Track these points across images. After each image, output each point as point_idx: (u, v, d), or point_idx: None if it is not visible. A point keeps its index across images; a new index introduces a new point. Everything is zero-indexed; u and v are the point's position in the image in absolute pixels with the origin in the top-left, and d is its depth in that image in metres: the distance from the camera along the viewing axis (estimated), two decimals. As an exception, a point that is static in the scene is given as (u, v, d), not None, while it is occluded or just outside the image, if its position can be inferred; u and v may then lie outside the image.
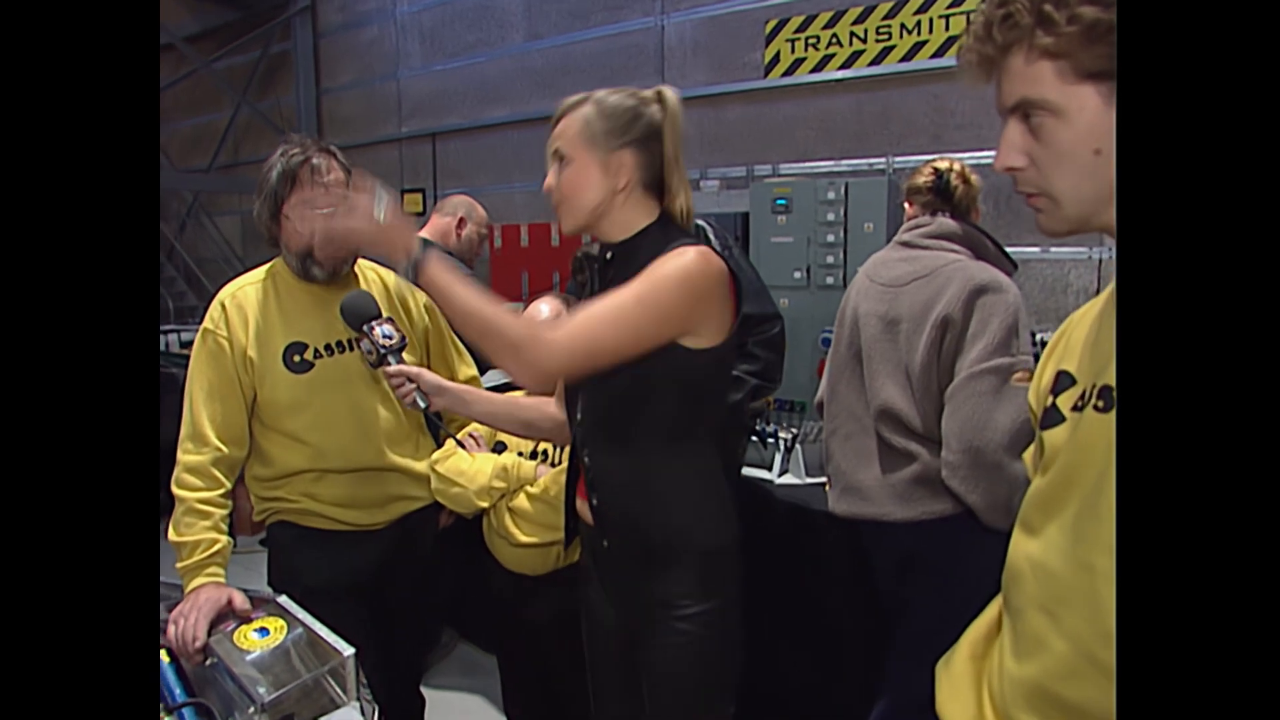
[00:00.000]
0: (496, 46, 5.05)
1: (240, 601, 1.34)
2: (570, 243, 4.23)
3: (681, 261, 1.10)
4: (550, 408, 1.40)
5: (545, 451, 1.73)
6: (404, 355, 1.51)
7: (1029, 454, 0.87)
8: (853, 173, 3.67)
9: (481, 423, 1.50)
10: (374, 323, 1.50)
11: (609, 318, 1.08)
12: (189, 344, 1.54)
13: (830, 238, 2.77)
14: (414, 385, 1.44)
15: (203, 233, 7.35)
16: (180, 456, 1.48)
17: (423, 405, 1.45)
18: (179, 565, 1.40)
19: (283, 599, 1.34)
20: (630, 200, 1.18)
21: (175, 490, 1.46)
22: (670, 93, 1.19)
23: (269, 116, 6.29)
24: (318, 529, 1.59)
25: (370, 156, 5.65)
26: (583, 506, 1.29)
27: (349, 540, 1.61)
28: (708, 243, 1.17)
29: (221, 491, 1.48)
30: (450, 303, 1.09)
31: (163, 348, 4.34)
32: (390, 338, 1.50)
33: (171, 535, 1.42)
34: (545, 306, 1.77)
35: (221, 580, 1.39)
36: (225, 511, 1.48)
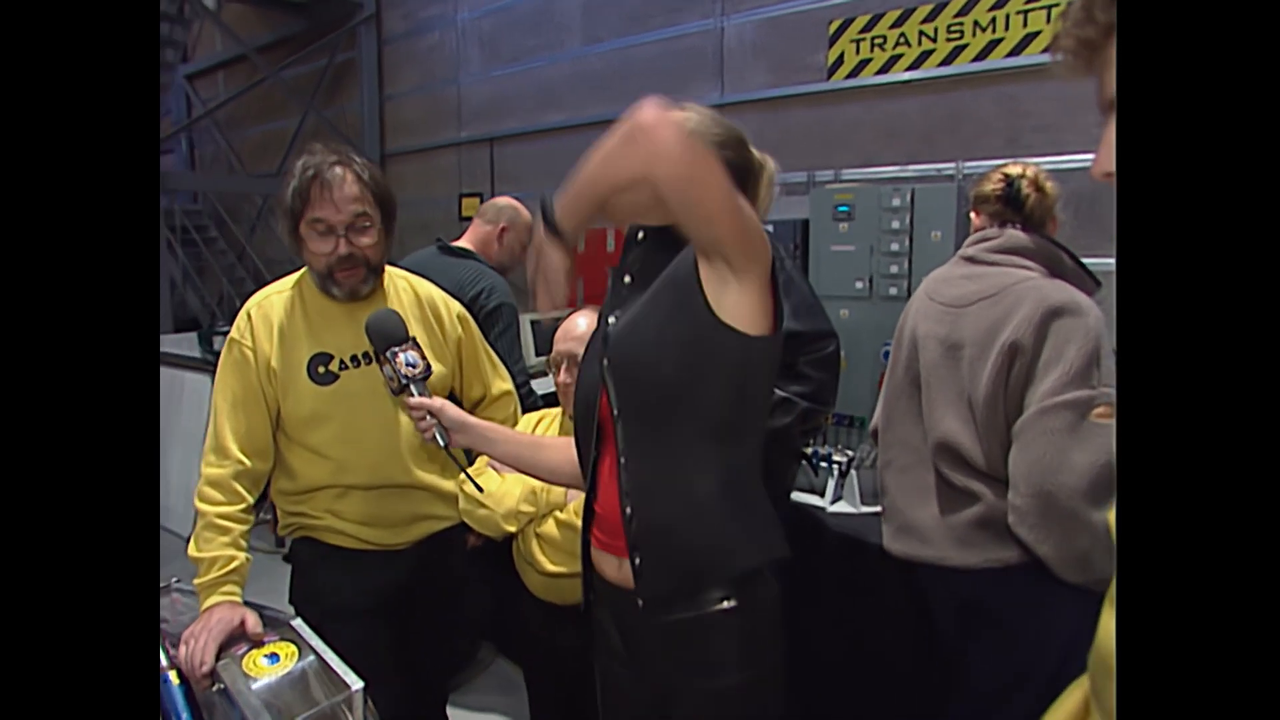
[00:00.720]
0: (555, 51, 5.03)
1: (253, 624, 1.30)
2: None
3: None
4: (575, 451, 1.31)
5: (578, 475, 1.65)
6: (432, 367, 1.43)
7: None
8: (919, 178, 3.48)
9: (504, 463, 1.41)
10: (398, 349, 1.39)
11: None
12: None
13: (894, 246, 2.62)
14: (434, 420, 1.33)
15: (271, 235, 7.57)
16: (202, 469, 1.45)
17: (442, 442, 1.33)
18: (196, 582, 1.37)
19: (297, 622, 1.29)
20: None
21: (196, 504, 1.43)
22: (771, 165, 1.22)
23: (334, 123, 6.42)
24: (340, 547, 1.54)
25: (429, 161, 5.66)
26: (600, 558, 1.20)
27: (372, 560, 1.55)
28: None
29: (243, 506, 1.43)
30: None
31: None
32: (414, 366, 1.38)
33: (190, 550, 1.39)
34: (583, 320, 1.70)
35: (237, 599, 1.35)
36: (246, 527, 1.44)
